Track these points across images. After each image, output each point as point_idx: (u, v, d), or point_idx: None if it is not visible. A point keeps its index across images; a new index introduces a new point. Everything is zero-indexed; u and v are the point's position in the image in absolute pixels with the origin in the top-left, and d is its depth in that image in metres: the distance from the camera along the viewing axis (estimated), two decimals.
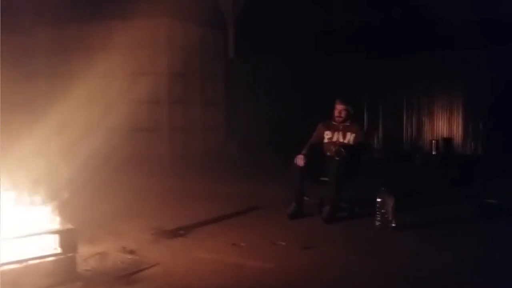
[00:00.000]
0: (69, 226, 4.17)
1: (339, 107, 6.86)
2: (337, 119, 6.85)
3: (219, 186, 9.10)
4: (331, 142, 6.81)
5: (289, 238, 5.58)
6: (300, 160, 6.46)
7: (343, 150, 6.43)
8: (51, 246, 4.03)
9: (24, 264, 3.85)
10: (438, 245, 5.51)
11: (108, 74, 12.32)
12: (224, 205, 7.22)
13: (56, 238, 4.05)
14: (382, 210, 5.90)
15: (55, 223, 4.16)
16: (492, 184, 8.89)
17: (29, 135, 4.62)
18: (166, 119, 13.04)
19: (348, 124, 6.86)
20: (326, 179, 6.47)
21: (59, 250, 4.03)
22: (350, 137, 6.77)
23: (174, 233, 5.70)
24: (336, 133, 6.84)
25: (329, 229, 6.12)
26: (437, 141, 13.18)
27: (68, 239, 4.08)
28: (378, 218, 5.93)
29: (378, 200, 5.91)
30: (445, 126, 13.43)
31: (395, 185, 7.22)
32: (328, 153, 6.69)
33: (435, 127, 13.54)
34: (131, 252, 4.99)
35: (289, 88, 14.53)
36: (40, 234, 4.04)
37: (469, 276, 4.55)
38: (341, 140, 6.78)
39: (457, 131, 13.31)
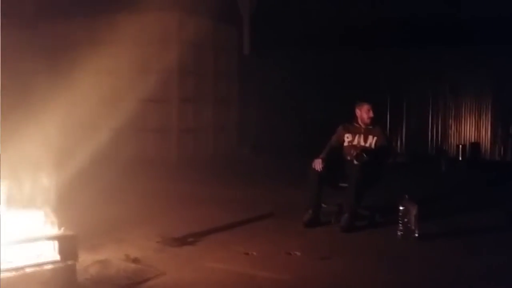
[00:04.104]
0: (69, 231, 4.15)
1: (367, 107, 6.80)
2: (367, 120, 6.78)
3: (230, 191, 9.06)
4: (351, 145, 6.75)
5: (305, 248, 5.54)
6: (318, 164, 6.41)
7: (364, 154, 6.36)
8: (49, 253, 4.01)
9: (21, 271, 3.84)
10: (465, 256, 5.43)
11: (114, 70, 12.33)
12: (236, 211, 7.19)
13: (55, 245, 4.03)
14: (405, 219, 5.83)
15: (54, 228, 4.14)
16: None
17: (29, 134, 4.61)
18: (176, 118, 13.03)
19: (370, 127, 6.80)
20: (346, 185, 6.43)
21: (58, 258, 4.01)
22: (372, 141, 6.71)
23: (182, 241, 5.66)
24: (357, 136, 6.78)
25: (347, 238, 6.06)
26: (464, 145, 13.07)
27: (67, 246, 4.06)
28: (400, 228, 5.86)
29: (401, 208, 5.84)
30: (472, 129, 13.32)
31: (419, 192, 7.15)
32: (348, 157, 6.62)
33: (462, 130, 13.44)
34: (135, 260, 4.96)
35: (307, 86, 14.45)
36: (38, 240, 4.02)
37: None
38: (362, 143, 6.73)
39: (486, 135, 13.20)
